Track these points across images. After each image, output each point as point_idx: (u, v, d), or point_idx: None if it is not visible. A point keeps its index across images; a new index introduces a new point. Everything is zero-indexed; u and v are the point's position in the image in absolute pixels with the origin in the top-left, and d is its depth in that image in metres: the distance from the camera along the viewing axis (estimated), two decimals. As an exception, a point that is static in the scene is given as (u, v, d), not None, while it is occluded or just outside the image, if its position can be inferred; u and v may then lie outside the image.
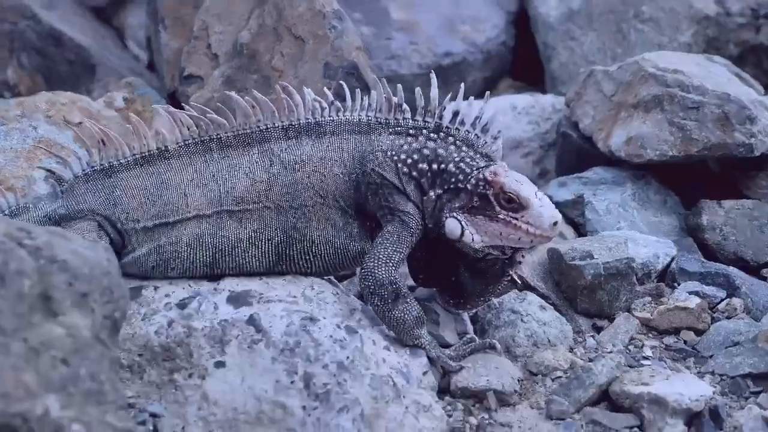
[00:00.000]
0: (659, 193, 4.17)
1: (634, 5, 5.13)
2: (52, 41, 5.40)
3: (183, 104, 3.31)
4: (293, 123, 3.21)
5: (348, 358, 2.93)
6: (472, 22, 5.45)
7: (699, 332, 3.46)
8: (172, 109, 3.25)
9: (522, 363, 3.26)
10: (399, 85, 3.27)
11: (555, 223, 3.07)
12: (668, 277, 3.71)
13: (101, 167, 3.22)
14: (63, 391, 2.32)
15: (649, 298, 3.58)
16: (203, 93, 4.01)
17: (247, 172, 3.18)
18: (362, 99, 3.23)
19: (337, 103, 3.23)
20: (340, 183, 3.16)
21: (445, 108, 3.20)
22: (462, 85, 3.26)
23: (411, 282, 3.38)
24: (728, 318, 3.51)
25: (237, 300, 3.05)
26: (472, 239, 3.09)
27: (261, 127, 3.21)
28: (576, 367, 3.19)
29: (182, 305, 3.04)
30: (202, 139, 3.21)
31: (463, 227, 3.09)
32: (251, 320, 2.97)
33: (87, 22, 5.89)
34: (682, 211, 4.15)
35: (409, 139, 3.18)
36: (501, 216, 3.06)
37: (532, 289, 3.53)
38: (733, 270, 3.72)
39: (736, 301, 3.59)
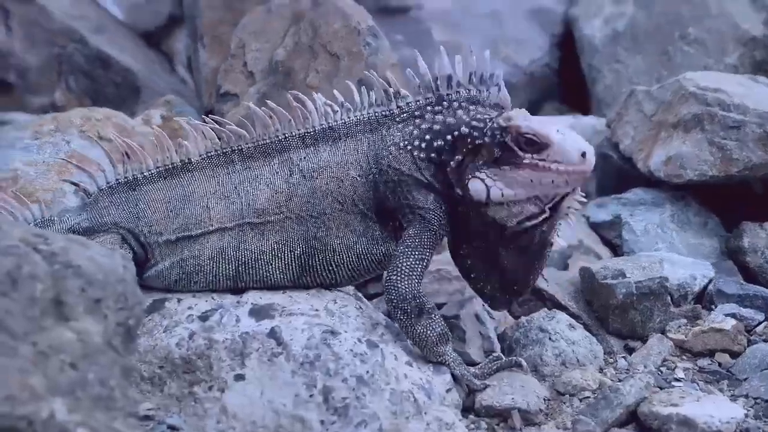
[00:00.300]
0: (700, 215, 4.10)
1: (680, 27, 5.08)
2: (100, 64, 5.47)
3: (203, 116, 3.29)
4: (309, 130, 3.18)
5: (368, 372, 2.88)
6: (515, 43, 5.44)
7: (734, 354, 3.38)
8: (194, 121, 3.26)
9: (550, 382, 3.20)
10: (389, 74, 3.26)
11: (584, 154, 2.94)
12: (705, 299, 3.63)
13: (125, 180, 3.22)
14: (70, 395, 2.29)
15: (685, 320, 3.50)
16: (238, 110, 4.00)
17: (269, 182, 3.16)
18: (368, 96, 3.20)
19: (347, 104, 3.19)
20: (357, 186, 3.12)
21: (437, 78, 3.14)
22: (441, 48, 3.19)
23: (440, 299, 3.34)
24: (765, 341, 3.42)
25: (259, 313, 3.02)
26: (501, 193, 2.98)
27: (279, 137, 3.19)
28: (604, 387, 3.12)
29: (204, 317, 3.02)
30: (224, 150, 3.21)
31: (486, 185, 2.99)
32: (272, 333, 2.94)
33: (136, 46, 5.96)
34: (723, 233, 4.07)
35: (417, 121, 3.13)
36: (526, 161, 2.95)
37: (563, 309, 3.46)
38: (772, 293, 3.63)
39: (775, 324, 3.49)
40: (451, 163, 3.05)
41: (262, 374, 2.89)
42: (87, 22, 5.73)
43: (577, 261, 3.79)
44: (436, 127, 3.09)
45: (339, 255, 3.13)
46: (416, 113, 3.14)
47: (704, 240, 4.02)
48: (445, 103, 3.12)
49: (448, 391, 3.01)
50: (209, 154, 3.21)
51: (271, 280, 3.14)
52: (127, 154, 3.21)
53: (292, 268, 3.13)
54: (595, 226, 4.12)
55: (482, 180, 3.00)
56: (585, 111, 5.22)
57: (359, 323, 3.04)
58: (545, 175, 2.96)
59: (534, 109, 5.20)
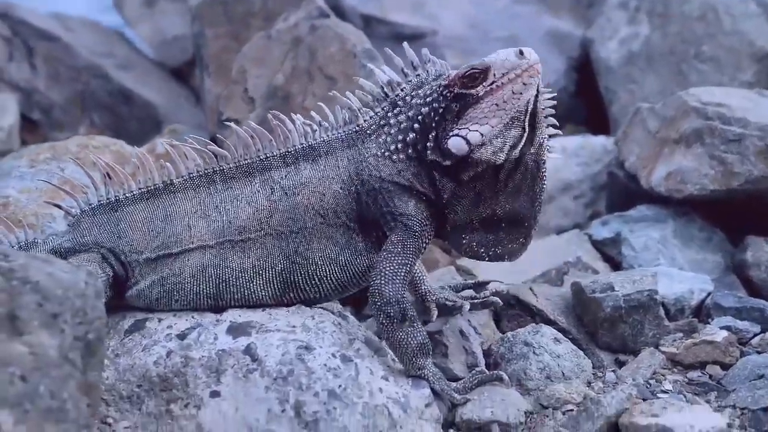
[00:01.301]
0: (704, 230, 4.06)
1: (695, 45, 5.06)
2: (122, 99, 5.58)
3: (186, 137, 3.33)
4: (289, 150, 3.22)
5: (340, 386, 2.88)
6: (531, 68, 5.41)
7: (726, 367, 3.32)
8: (175, 142, 3.29)
9: (534, 396, 3.17)
10: (347, 93, 3.29)
11: (520, 51, 3.01)
12: (703, 312, 3.59)
13: (107, 201, 3.26)
14: (18, 407, 2.34)
15: (681, 334, 3.45)
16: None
17: (250, 201, 3.19)
18: (341, 114, 3.25)
19: (325, 123, 3.24)
20: (340, 198, 3.15)
21: (382, 87, 3.22)
22: (371, 66, 3.37)
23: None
24: (759, 352, 3.36)
25: (237, 330, 3.03)
26: (479, 133, 3.02)
27: (261, 157, 3.22)
28: (586, 400, 3.09)
29: (182, 336, 3.04)
30: (206, 171, 3.24)
31: (461, 134, 3.03)
32: (248, 349, 2.96)
33: (162, 81, 6.08)
34: (728, 248, 4.02)
35: (385, 129, 3.18)
36: (480, 93, 3.02)
37: (552, 323, 3.43)
38: (771, 305, 3.57)
39: (771, 336, 3.44)
40: (428, 144, 3.10)
41: (237, 390, 2.90)
42: (112, 59, 5.87)
43: (574, 278, 3.76)
44: (403, 125, 3.15)
45: (321, 268, 3.14)
46: (381, 122, 3.19)
47: (707, 255, 3.98)
48: (399, 102, 3.18)
49: (427, 405, 2.99)
50: (191, 175, 3.24)
51: (253, 297, 3.16)
52: (108, 175, 3.25)
53: (274, 284, 3.15)
54: (598, 244, 4.10)
55: (457, 134, 3.05)
56: (605, 132, 5.18)
57: (335, 339, 3.03)
58: (503, 92, 3.01)
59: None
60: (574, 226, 4.54)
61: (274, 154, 3.23)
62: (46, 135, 5.44)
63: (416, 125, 3.12)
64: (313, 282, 3.15)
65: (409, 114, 3.14)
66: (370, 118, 3.22)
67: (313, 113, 3.27)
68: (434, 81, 3.15)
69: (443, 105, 3.07)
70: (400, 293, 3.00)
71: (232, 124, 3.33)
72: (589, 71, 5.48)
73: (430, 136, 3.10)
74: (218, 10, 4.71)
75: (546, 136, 3.14)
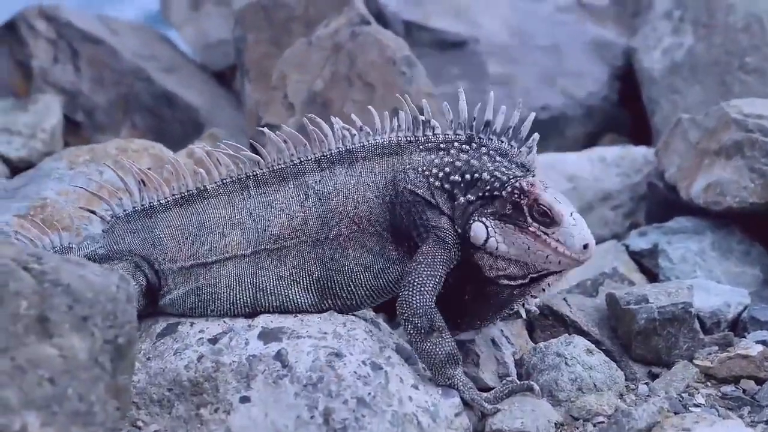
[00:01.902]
0: (743, 243, 4.03)
1: (739, 56, 5.01)
2: (165, 102, 5.61)
3: (218, 143, 3.34)
4: (325, 154, 3.20)
5: (370, 394, 2.88)
6: (573, 76, 5.42)
7: (761, 381, 3.28)
8: (208, 148, 3.29)
9: (565, 407, 3.15)
10: (424, 101, 3.24)
11: (586, 246, 2.98)
12: (739, 326, 3.55)
13: (141, 207, 3.26)
14: (46, 410, 2.35)
15: (716, 347, 3.42)
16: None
17: (284, 207, 3.17)
18: (390, 121, 3.20)
19: (366, 128, 3.20)
20: (374, 207, 3.14)
21: (475, 119, 3.15)
22: (492, 93, 3.21)
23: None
24: (795, 368, 3.33)
25: (268, 336, 3.03)
26: (497, 247, 3.02)
27: (295, 161, 3.21)
28: (617, 412, 3.07)
29: (214, 341, 3.04)
30: (239, 177, 3.23)
31: (488, 233, 3.03)
32: (278, 355, 2.96)
33: (205, 85, 6.11)
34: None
35: (441, 153, 3.14)
36: (531, 228, 2.99)
37: (585, 334, 3.42)
38: (809, 319, 3.53)
39: (808, 351, 3.40)
40: (461, 199, 3.08)
41: (267, 396, 2.90)
42: (156, 62, 5.90)
43: (609, 289, 3.73)
44: (458, 163, 3.11)
45: (357, 276, 3.14)
46: (442, 145, 3.15)
47: (746, 268, 3.95)
48: (474, 144, 3.13)
49: (457, 414, 2.99)
50: (224, 182, 3.24)
51: (291, 306, 3.16)
52: (143, 181, 3.25)
53: (312, 292, 3.15)
54: (635, 255, 4.07)
55: (486, 226, 3.04)
56: (647, 143, 5.15)
57: (366, 346, 3.03)
58: (543, 249, 3.00)
59: (592, 141, 5.20)
60: (613, 236, 4.52)
61: (309, 158, 3.21)
62: (88, 137, 5.47)
63: (468, 176, 3.09)
64: (349, 289, 3.15)
65: (472, 162, 3.09)
66: (434, 134, 3.18)
67: (354, 117, 3.24)
68: (517, 168, 3.10)
69: (504, 195, 3.03)
70: (427, 304, 2.99)
71: (264, 129, 3.31)
72: (632, 81, 5.45)
73: (469, 197, 3.07)
74: (260, 15, 4.72)
75: (535, 296, 3.19)
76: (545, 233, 2.99)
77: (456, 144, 3.15)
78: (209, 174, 3.24)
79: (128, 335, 2.57)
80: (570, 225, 2.99)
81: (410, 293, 3.00)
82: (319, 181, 3.19)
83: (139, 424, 2.96)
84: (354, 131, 3.22)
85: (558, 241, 2.98)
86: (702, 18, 5.20)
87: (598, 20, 5.90)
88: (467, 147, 3.13)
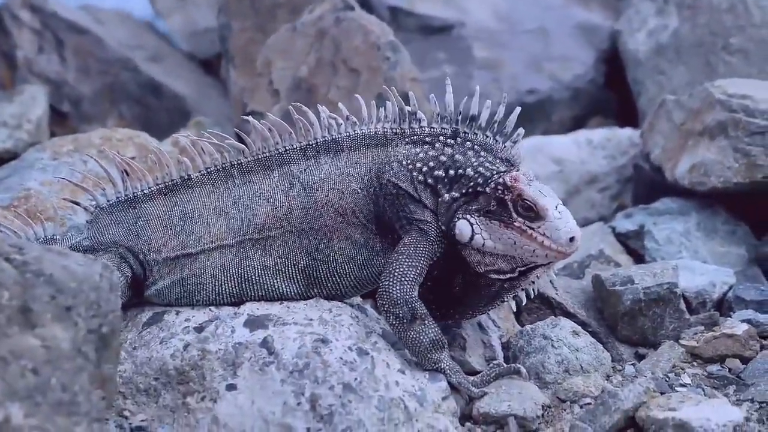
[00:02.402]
0: (728, 223, 4.05)
1: (723, 37, 5.02)
2: (151, 91, 5.60)
3: (202, 132, 3.33)
4: (311, 142, 3.19)
5: (356, 379, 2.88)
6: (559, 60, 5.42)
7: (746, 360, 3.31)
8: (193, 137, 3.27)
9: (552, 390, 3.17)
10: (411, 93, 3.24)
11: (572, 239, 2.97)
12: (725, 305, 3.57)
13: (125, 198, 3.24)
14: (29, 400, 2.35)
15: (702, 327, 3.44)
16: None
17: (268, 197, 3.16)
18: (377, 110, 3.19)
19: (353, 118, 3.18)
20: (358, 198, 3.13)
21: (461, 113, 3.14)
22: (477, 87, 3.20)
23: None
24: (780, 346, 3.35)
25: (254, 323, 3.03)
26: (483, 243, 3.02)
27: (280, 150, 3.20)
28: (604, 393, 3.08)
29: (200, 329, 3.04)
30: (224, 165, 3.21)
31: (473, 230, 3.02)
32: (264, 342, 2.96)
33: (192, 73, 6.10)
34: (753, 241, 4.00)
35: (426, 147, 3.13)
36: (516, 224, 2.99)
37: (571, 316, 3.43)
38: (793, 297, 3.55)
39: (793, 329, 3.42)
40: (445, 196, 3.07)
41: (253, 383, 2.90)
42: (143, 51, 5.89)
43: (595, 270, 3.75)
44: (443, 158, 3.10)
45: (341, 266, 3.14)
46: (427, 139, 3.15)
47: (732, 248, 3.97)
48: (459, 139, 3.12)
49: (444, 398, 2.99)
50: (208, 170, 3.22)
51: (277, 295, 3.15)
52: (126, 171, 3.24)
53: (298, 281, 3.14)
54: (621, 237, 4.09)
55: (470, 223, 3.04)
56: (634, 125, 5.15)
57: (352, 332, 3.03)
58: (529, 243, 2.99)
59: (578, 124, 5.21)
60: (600, 218, 4.54)
61: (294, 147, 3.19)
62: (75, 127, 5.45)
63: (452, 172, 3.08)
64: (334, 279, 3.15)
65: (457, 157, 3.09)
66: (420, 127, 3.17)
67: (341, 106, 3.22)
68: (501, 163, 3.09)
69: (488, 191, 3.03)
70: (408, 293, 2.99)
71: (249, 117, 3.30)
72: (618, 63, 5.46)
73: (453, 194, 3.07)
74: (245, 2, 4.71)
75: (523, 289, 3.18)
76: (531, 228, 2.98)
77: (441, 138, 3.14)
78: (193, 163, 3.23)
79: (112, 324, 2.57)
80: (555, 219, 2.98)
81: (390, 283, 3.00)
82: (305, 170, 3.18)
83: (126, 413, 2.96)
84: (341, 120, 3.21)
85: (544, 235, 2.97)
86: (686, -1, 5.21)
87: (584, 3, 5.90)
88: (452, 141, 3.12)
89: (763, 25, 4.97)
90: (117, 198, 3.25)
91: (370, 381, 2.90)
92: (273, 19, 4.65)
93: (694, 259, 3.84)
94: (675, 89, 5.00)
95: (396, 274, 3.00)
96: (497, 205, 3.01)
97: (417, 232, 3.07)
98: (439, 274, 3.13)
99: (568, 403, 3.12)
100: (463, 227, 3.03)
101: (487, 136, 3.13)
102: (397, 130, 3.17)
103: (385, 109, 3.19)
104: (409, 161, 3.12)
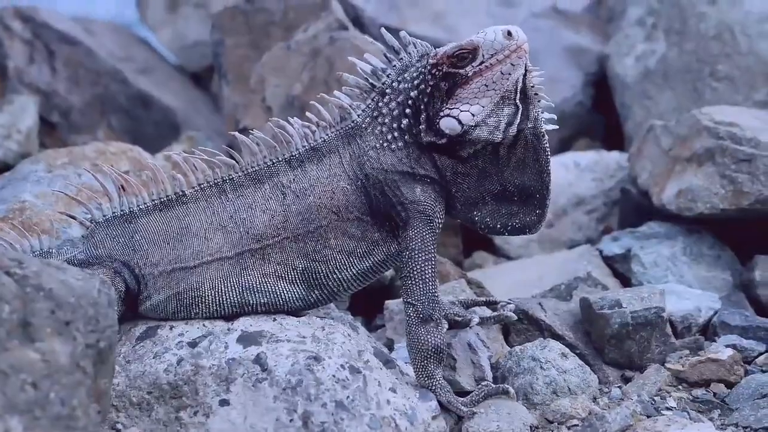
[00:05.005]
0: (714, 248, 4.09)
1: (710, 64, 5.07)
2: (141, 103, 5.62)
3: (193, 149, 3.37)
4: (293, 153, 3.26)
5: (348, 397, 2.92)
6: (547, 82, 5.40)
7: (731, 385, 3.35)
8: (185, 154, 3.31)
9: (540, 410, 3.20)
10: (335, 92, 3.33)
11: (508, 32, 3.06)
12: (710, 330, 3.62)
13: (121, 213, 3.27)
14: (28, 414, 2.36)
15: (687, 351, 3.48)
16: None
17: (264, 208, 3.21)
18: (335, 112, 3.29)
19: (323, 123, 3.27)
20: (349, 195, 3.19)
21: (367, 78, 3.26)
22: (352, 58, 3.34)
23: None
24: (764, 371, 3.39)
25: (247, 339, 3.05)
26: (471, 114, 3.09)
27: (267, 163, 3.26)
28: (591, 416, 3.12)
29: (193, 344, 3.06)
30: (216, 181, 3.26)
31: (453, 115, 3.09)
32: (257, 359, 2.99)
33: (181, 86, 6.12)
34: (737, 267, 4.05)
35: (378, 119, 3.22)
36: (469, 73, 3.07)
37: (559, 338, 3.47)
38: (776, 324, 3.59)
39: (776, 355, 3.46)
40: (421, 126, 3.15)
41: (246, 399, 2.93)
42: (132, 63, 5.91)
43: (583, 293, 3.78)
44: (395, 112, 3.19)
45: (341, 262, 3.18)
46: (374, 114, 3.23)
47: (717, 273, 4.01)
48: (387, 90, 3.22)
49: (434, 417, 3.02)
50: (202, 186, 3.27)
51: (279, 300, 3.19)
52: (122, 186, 3.27)
53: (298, 284, 3.18)
54: (608, 260, 4.12)
55: (448, 115, 3.11)
56: (620, 148, 5.19)
57: (344, 350, 3.06)
58: (492, 72, 3.06)
59: (565, 146, 5.25)
60: (587, 240, 4.57)
61: (279, 159, 3.26)
62: (64, 138, 5.47)
63: (407, 110, 3.17)
64: (334, 276, 3.19)
65: (399, 100, 3.19)
66: (363, 111, 3.25)
67: (308, 114, 3.29)
68: (419, 62, 3.19)
69: (431, 84, 3.12)
70: (431, 291, 3.08)
71: (236, 134, 3.37)
72: (606, 87, 5.51)
73: (422, 117, 3.15)
74: (239, 19, 4.74)
75: (540, 109, 3.21)
76: (480, 64, 3.06)
77: (379, 104, 3.23)
78: (187, 179, 3.26)
79: (109, 339, 2.60)
80: (483, 39, 3.07)
81: (413, 282, 3.09)
82: (293, 179, 3.23)
83: (119, 426, 2.98)
84: (314, 127, 3.28)
85: (492, 56, 3.05)
86: (674, 25, 5.26)
87: (574, 26, 5.94)
88: (386, 97, 3.22)
89: (749, 53, 5.03)
90: (113, 212, 3.27)
91: (362, 399, 2.93)
92: (267, 36, 4.68)
93: (679, 284, 3.89)
94: (662, 114, 5.05)
95: (416, 271, 3.09)
96: (446, 82, 3.10)
97: (416, 217, 3.14)
98: (499, 194, 3.22)
99: (556, 424, 3.15)
100: (447, 122, 3.12)
101: (394, 65, 3.24)
102: (352, 124, 3.26)
103: (332, 113, 3.30)
104: (380, 141, 3.21)
